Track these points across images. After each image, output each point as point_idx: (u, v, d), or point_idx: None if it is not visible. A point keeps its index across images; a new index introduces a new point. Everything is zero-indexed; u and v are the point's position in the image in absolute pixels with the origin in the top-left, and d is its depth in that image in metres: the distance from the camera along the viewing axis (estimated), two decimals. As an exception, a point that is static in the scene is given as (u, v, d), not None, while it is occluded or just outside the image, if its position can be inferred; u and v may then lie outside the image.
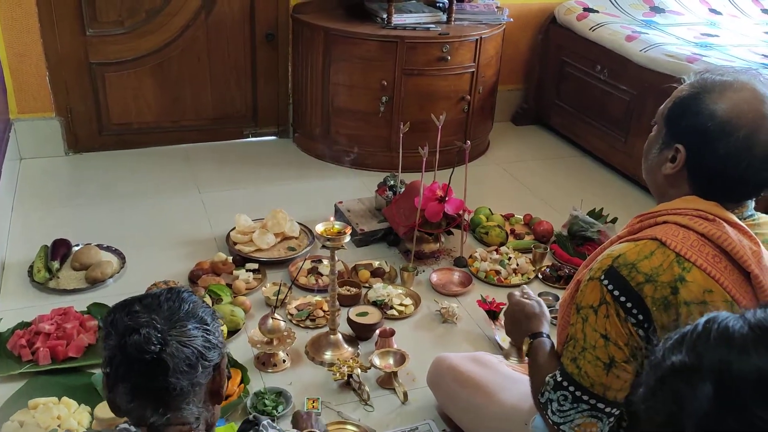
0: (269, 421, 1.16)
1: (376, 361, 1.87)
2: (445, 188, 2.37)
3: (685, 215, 1.13)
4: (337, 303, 1.96)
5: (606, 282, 1.12)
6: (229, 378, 1.11)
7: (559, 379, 1.18)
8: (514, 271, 2.38)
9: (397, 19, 2.99)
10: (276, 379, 1.89)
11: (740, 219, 1.15)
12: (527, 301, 1.42)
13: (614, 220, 2.59)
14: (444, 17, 3.11)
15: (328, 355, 1.96)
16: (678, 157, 1.15)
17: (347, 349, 1.98)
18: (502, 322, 1.50)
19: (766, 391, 0.60)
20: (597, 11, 3.36)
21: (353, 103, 3.01)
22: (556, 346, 1.30)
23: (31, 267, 2.26)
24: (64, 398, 1.71)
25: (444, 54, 2.94)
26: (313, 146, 3.25)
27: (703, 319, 0.68)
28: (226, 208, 2.71)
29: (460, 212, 2.41)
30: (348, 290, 2.19)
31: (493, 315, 2.12)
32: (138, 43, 3.06)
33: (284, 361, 1.94)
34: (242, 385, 1.82)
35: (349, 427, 1.72)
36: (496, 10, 3.19)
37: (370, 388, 1.84)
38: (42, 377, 1.83)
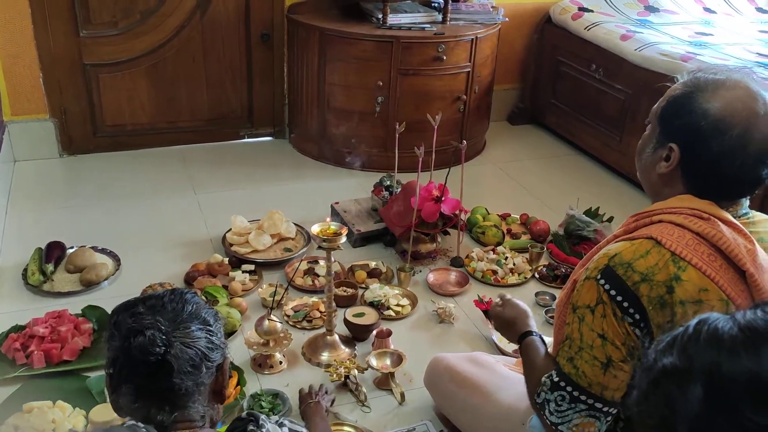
0: (265, 416, 1.15)
1: (373, 361, 1.87)
2: (442, 188, 2.37)
3: (680, 214, 1.13)
4: (334, 304, 1.96)
5: (602, 281, 1.12)
6: (229, 377, 1.11)
7: (556, 379, 1.18)
8: (511, 270, 2.38)
9: (393, 19, 2.98)
10: (273, 380, 1.88)
11: (735, 217, 1.15)
12: (500, 308, 1.47)
13: (610, 219, 2.59)
14: (439, 17, 3.11)
15: (324, 357, 1.96)
16: (672, 156, 1.15)
17: (344, 350, 1.98)
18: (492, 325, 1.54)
19: (756, 392, 0.60)
20: (592, 11, 3.36)
21: (349, 104, 3.01)
22: (553, 345, 1.30)
23: (25, 270, 2.25)
24: (59, 402, 1.70)
25: (439, 54, 2.94)
26: (309, 147, 3.24)
27: (693, 321, 0.68)
28: (222, 209, 2.70)
29: (457, 212, 2.41)
30: (344, 291, 2.19)
31: (489, 315, 2.11)
32: (132, 43, 3.05)
33: (281, 362, 1.93)
34: (239, 387, 1.81)
35: (346, 428, 1.71)
36: (491, 9, 3.19)
37: (367, 389, 1.84)
38: (36, 381, 1.82)
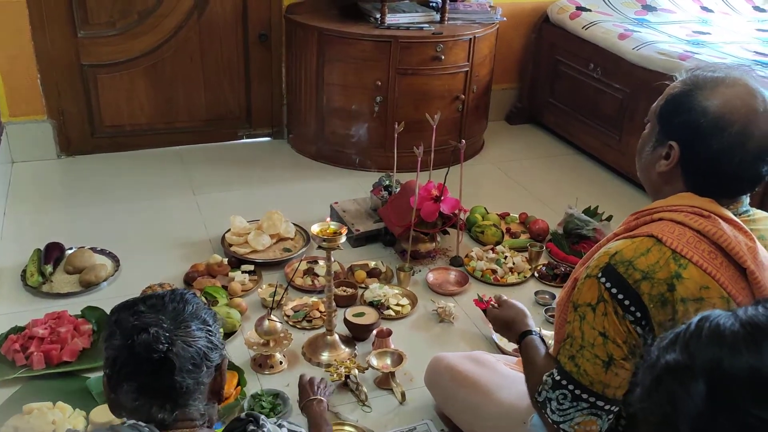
0: (265, 417, 1.15)
1: (374, 361, 1.87)
2: (441, 188, 2.37)
3: (681, 212, 1.14)
4: (334, 304, 1.95)
5: (603, 280, 1.12)
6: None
7: (558, 377, 1.18)
8: (510, 269, 2.38)
9: (391, 18, 2.98)
10: (273, 380, 1.88)
11: (735, 215, 1.16)
12: (497, 310, 1.47)
13: (609, 218, 2.59)
14: (437, 17, 3.11)
15: (325, 356, 1.96)
16: (672, 154, 1.15)
17: (344, 350, 1.98)
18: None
19: (758, 388, 0.60)
20: (590, 10, 3.37)
21: (348, 104, 3.01)
22: (553, 344, 1.30)
23: (24, 271, 2.25)
24: (59, 403, 1.70)
25: (438, 53, 2.94)
26: (307, 147, 3.24)
27: (696, 318, 0.68)
28: (220, 209, 2.70)
29: (456, 211, 2.41)
30: (344, 291, 2.19)
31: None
32: (130, 44, 3.05)
33: (281, 362, 1.93)
34: (239, 387, 1.81)
35: (347, 428, 1.71)
36: (489, 9, 3.20)
37: (368, 388, 1.84)
38: (36, 382, 1.82)
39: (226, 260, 2.33)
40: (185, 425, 1.01)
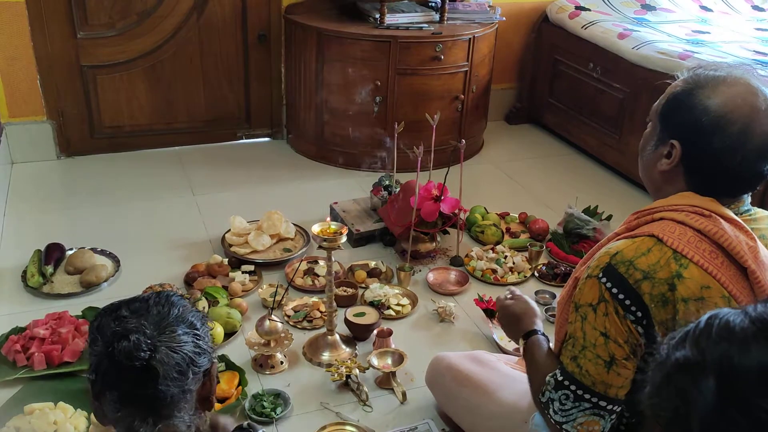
0: (264, 430, 1.14)
1: (374, 361, 1.87)
2: (441, 187, 2.37)
3: (682, 211, 1.14)
4: (334, 304, 1.96)
5: (604, 280, 1.12)
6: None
7: (560, 378, 1.18)
8: (511, 269, 2.38)
9: (390, 18, 2.99)
10: (274, 380, 1.88)
11: (737, 214, 1.16)
12: (511, 302, 1.43)
13: (609, 218, 2.59)
14: (437, 17, 3.11)
15: (325, 356, 1.96)
16: (673, 153, 1.15)
17: (345, 350, 1.98)
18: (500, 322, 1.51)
19: None
20: (589, 9, 3.37)
21: (347, 104, 3.01)
22: (554, 344, 1.30)
23: (25, 272, 2.24)
24: (61, 403, 1.70)
25: (437, 53, 2.94)
26: (307, 147, 3.24)
27: (705, 316, 0.69)
28: (220, 210, 2.70)
29: (456, 211, 2.41)
30: (344, 291, 2.19)
31: (490, 313, 2.12)
32: (129, 45, 3.05)
33: (282, 362, 1.93)
34: (240, 387, 1.81)
35: (348, 427, 1.72)
36: (488, 9, 3.20)
37: (369, 388, 1.84)
38: (37, 382, 1.82)
39: (226, 260, 2.33)
40: None
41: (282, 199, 2.82)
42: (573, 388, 1.16)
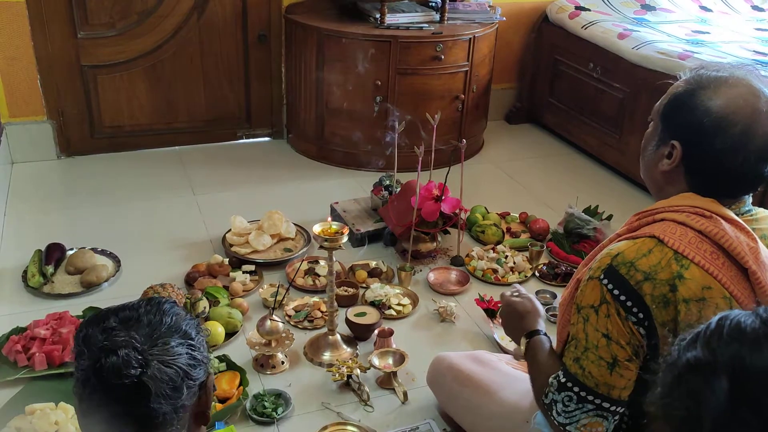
0: None
1: (375, 361, 1.87)
2: (442, 187, 2.37)
3: (683, 212, 1.14)
4: (335, 304, 1.96)
5: (606, 281, 1.12)
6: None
7: (563, 380, 1.17)
8: (511, 269, 2.39)
9: (390, 18, 2.99)
10: (275, 380, 1.88)
11: (738, 215, 1.16)
12: (517, 299, 1.41)
13: (609, 218, 2.60)
14: (437, 17, 3.11)
15: (326, 356, 1.96)
16: (674, 154, 1.16)
17: (346, 350, 1.98)
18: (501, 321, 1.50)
19: None
20: (589, 9, 3.37)
21: (347, 104, 3.01)
22: (555, 344, 1.30)
23: (25, 272, 2.24)
24: (62, 403, 1.70)
25: (437, 53, 2.94)
26: (307, 147, 3.24)
27: (715, 318, 0.69)
28: (221, 210, 2.70)
29: (457, 211, 2.41)
30: (345, 291, 2.19)
31: (491, 313, 2.12)
32: (130, 45, 3.05)
33: (283, 362, 1.93)
34: (241, 387, 1.81)
35: (349, 427, 1.72)
36: (488, 9, 3.20)
37: (370, 388, 1.84)
38: (38, 382, 1.82)
39: (227, 260, 2.33)
40: None
41: (282, 199, 2.82)
42: (576, 389, 1.16)
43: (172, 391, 0.87)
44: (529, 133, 3.66)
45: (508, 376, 1.58)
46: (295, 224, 2.55)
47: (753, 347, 0.64)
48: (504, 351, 1.97)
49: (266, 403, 1.76)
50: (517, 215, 2.75)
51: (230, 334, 2.01)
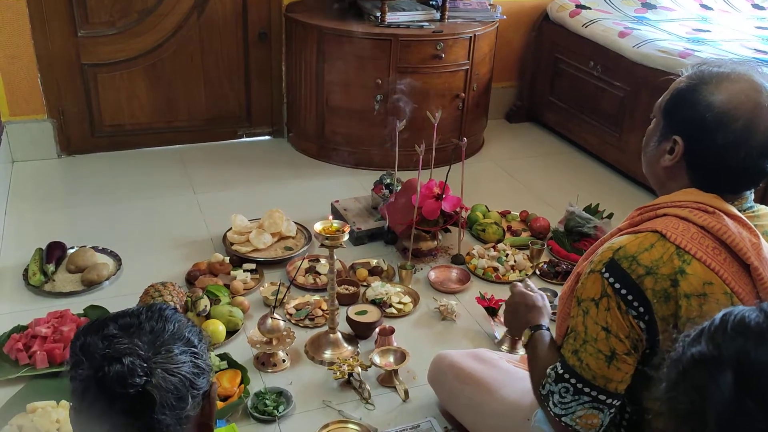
0: None
1: (376, 359, 1.87)
2: (442, 186, 2.37)
3: (685, 208, 1.14)
4: (336, 302, 1.96)
5: (607, 275, 1.12)
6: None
7: (561, 371, 1.18)
8: (512, 267, 2.38)
9: (391, 17, 2.99)
10: (276, 379, 1.88)
11: (740, 211, 1.16)
12: (530, 293, 1.43)
13: (610, 216, 2.59)
14: (437, 15, 3.11)
15: (327, 354, 1.96)
16: (676, 149, 1.16)
17: (347, 348, 1.98)
18: (502, 316, 1.50)
19: None
20: (589, 8, 3.37)
21: (348, 102, 3.01)
22: (555, 336, 1.30)
23: (26, 270, 2.24)
24: (63, 402, 1.70)
25: (438, 52, 2.94)
26: (307, 146, 3.24)
27: (720, 314, 0.70)
28: (221, 208, 2.69)
29: (457, 210, 2.41)
30: (346, 289, 2.19)
31: (491, 312, 2.12)
32: (130, 43, 3.05)
33: (284, 360, 1.93)
34: (242, 385, 1.81)
35: (350, 425, 1.72)
36: (489, 7, 3.20)
37: (371, 386, 1.84)
38: (40, 381, 1.82)
39: (227, 259, 2.33)
40: None
41: (283, 198, 2.82)
42: (573, 381, 1.16)
43: (177, 402, 0.83)
44: (530, 132, 3.66)
45: (509, 374, 1.58)
46: (295, 223, 2.55)
47: (757, 341, 0.64)
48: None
49: (267, 402, 1.76)
50: (518, 213, 2.75)
51: (231, 332, 2.01)
